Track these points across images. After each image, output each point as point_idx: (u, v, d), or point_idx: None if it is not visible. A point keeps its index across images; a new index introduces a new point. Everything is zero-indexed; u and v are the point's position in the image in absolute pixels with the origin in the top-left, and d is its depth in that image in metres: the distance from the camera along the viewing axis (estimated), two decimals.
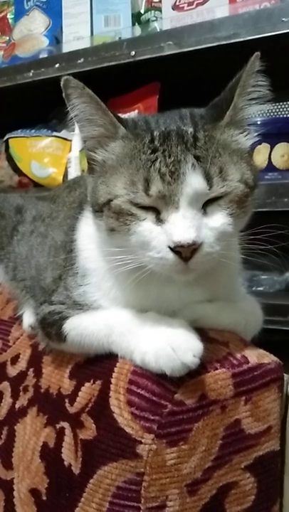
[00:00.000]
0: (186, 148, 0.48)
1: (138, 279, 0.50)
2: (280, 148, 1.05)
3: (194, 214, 0.48)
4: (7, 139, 1.35)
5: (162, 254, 0.48)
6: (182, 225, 0.47)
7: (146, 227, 0.48)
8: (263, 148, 1.05)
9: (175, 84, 1.09)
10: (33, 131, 1.33)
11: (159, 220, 0.48)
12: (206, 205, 0.49)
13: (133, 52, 1.09)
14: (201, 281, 0.54)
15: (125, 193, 0.49)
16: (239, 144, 0.52)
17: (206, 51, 1.01)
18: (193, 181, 0.47)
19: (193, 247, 0.46)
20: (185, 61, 1.06)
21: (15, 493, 0.63)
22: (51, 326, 0.60)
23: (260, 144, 1.05)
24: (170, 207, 0.48)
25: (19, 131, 1.34)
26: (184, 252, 0.47)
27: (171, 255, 0.47)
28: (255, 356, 0.51)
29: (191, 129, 0.50)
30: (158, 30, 1.15)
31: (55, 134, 1.32)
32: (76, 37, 1.27)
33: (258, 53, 0.51)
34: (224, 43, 0.98)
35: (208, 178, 0.48)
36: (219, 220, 0.49)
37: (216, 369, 0.49)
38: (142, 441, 0.47)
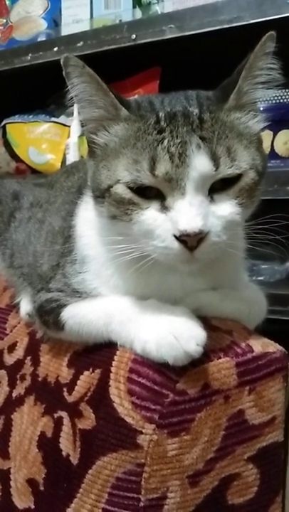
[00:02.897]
0: (192, 130, 0.46)
1: (141, 268, 0.49)
2: (283, 135, 1.03)
3: (201, 201, 0.45)
4: (4, 125, 1.33)
5: (167, 243, 0.45)
6: (188, 212, 0.44)
7: (149, 215, 0.46)
8: (266, 135, 1.03)
9: (176, 69, 1.07)
10: (30, 116, 1.31)
11: (164, 208, 0.46)
12: (215, 192, 0.47)
13: (134, 36, 1.07)
14: (205, 270, 0.52)
15: (128, 174, 0.47)
16: (247, 127, 0.50)
17: (208, 35, 0.99)
18: (199, 163, 0.45)
19: (199, 236, 0.44)
20: (187, 45, 1.03)
21: (12, 483, 0.62)
22: (49, 314, 0.59)
23: (262, 131, 1.03)
24: (176, 192, 0.45)
25: (17, 116, 1.32)
26: (190, 241, 0.45)
27: (176, 244, 0.45)
28: (260, 345, 0.50)
29: (196, 110, 0.48)
30: (159, 13, 1.12)
31: (53, 119, 1.29)
32: (75, 20, 1.24)
33: (271, 33, 0.48)
34: (227, 26, 0.96)
35: (214, 159, 0.45)
36: (227, 208, 0.47)
37: (220, 358, 0.47)
38: (143, 431, 0.46)
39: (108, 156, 0.50)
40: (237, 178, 0.47)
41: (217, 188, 0.47)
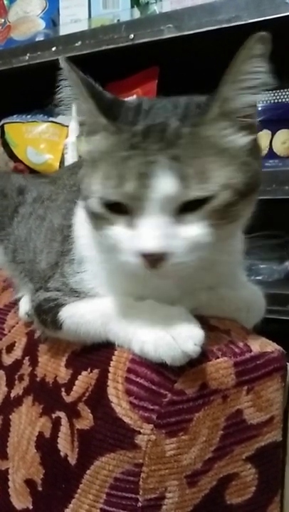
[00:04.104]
0: (165, 147, 0.44)
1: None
2: (281, 135, 1.04)
3: (165, 222, 0.44)
4: (2, 125, 1.33)
5: (131, 258, 0.45)
6: (148, 233, 0.43)
7: (116, 231, 0.46)
8: (264, 135, 1.03)
9: (175, 68, 1.07)
10: (29, 116, 1.31)
11: (131, 224, 0.45)
12: (186, 212, 0.44)
13: (132, 36, 1.07)
14: (199, 271, 0.52)
15: (100, 189, 0.46)
16: (231, 141, 0.46)
17: (206, 34, 0.99)
18: (164, 184, 0.43)
19: (157, 256, 0.43)
20: (185, 45, 1.03)
21: (10, 484, 0.62)
22: (47, 313, 0.58)
23: (260, 130, 1.03)
24: (140, 211, 0.44)
25: (15, 116, 1.32)
26: (150, 261, 0.44)
27: (138, 260, 0.44)
28: (258, 345, 0.50)
29: (176, 124, 0.45)
30: (157, 12, 1.12)
31: (51, 119, 1.29)
32: (73, 19, 1.24)
33: (260, 34, 0.44)
34: (225, 26, 0.96)
35: (182, 180, 0.43)
36: (195, 230, 0.44)
37: (218, 358, 0.47)
38: (141, 431, 0.46)
39: (89, 165, 0.49)
40: (209, 198, 0.44)
41: (189, 208, 0.44)
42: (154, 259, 0.44)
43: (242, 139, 0.46)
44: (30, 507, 0.57)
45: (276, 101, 1.10)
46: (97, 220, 0.48)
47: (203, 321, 0.49)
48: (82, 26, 1.20)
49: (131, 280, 0.52)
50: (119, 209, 0.46)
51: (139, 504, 0.46)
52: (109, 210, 0.46)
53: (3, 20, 1.42)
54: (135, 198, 0.44)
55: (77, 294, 0.56)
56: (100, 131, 0.48)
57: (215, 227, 0.44)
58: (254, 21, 0.93)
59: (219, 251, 0.47)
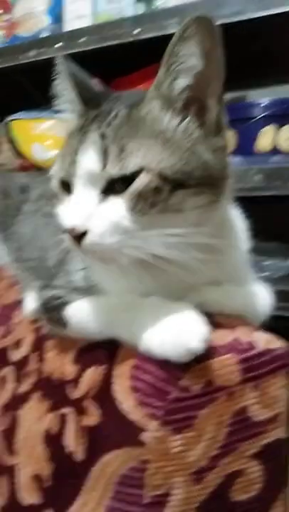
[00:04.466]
0: (100, 127, 0.46)
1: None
2: (287, 130, 1.03)
3: (87, 199, 0.45)
4: (8, 122, 1.33)
5: (63, 235, 0.47)
6: (71, 209, 0.46)
7: (60, 209, 0.49)
8: (269, 131, 1.03)
9: None
10: (35, 113, 1.31)
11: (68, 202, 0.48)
12: (111, 192, 0.45)
13: (136, 31, 1.06)
14: (208, 264, 0.52)
15: (56, 168, 0.50)
16: (165, 125, 0.46)
17: None
18: (86, 161, 0.45)
19: (76, 233, 0.45)
20: None
21: (18, 479, 0.62)
22: (53, 311, 0.59)
23: (266, 125, 1.03)
24: (71, 188, 0.47)
25: (21, 113, 1.32)
26: (73, 237, 0.45)
27: (66, 237, 0.47)
28: (264, 341, 0.50)
29: (121, 107, 0.47)
30: (160, 8, 1.12)
31: (57, 115, 1.29)
32: (78, 15, 1.23)
33: (194, 17, 0.43)
34: (229, 20, 0.95)
35: (104, 157, 0.44)
36: (115, 211, 0.45)
37: (223, 354, 0.47)
38: (147, 428, 0.46)
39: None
40: (132, 180, 0.44)
41: (115, 189, 0.45)
42: (75, 236, 0.45)
43: (181, 124, 0.46)
44: (38, 502, 0.57)
45: (281, 96, 1.09)
46: (58, 202, 0.50)
47: (209, 318, 0.49)
48: (87, 22, 1.19)
49: (133, 274, 0.52)
50: (69, 188, 0.48)
51: (145, 500, 0.46)
52: (62, 190, 0.49)
53: (8, 17, 1.42)
54: (70, 175, 0.47)
55: (81, 291, 0.57)
56: (74, 116, 0.52)
57: (138, 213, 0.44)
58: (259, 16, 0.92)
59: (196, 249, 0.46)
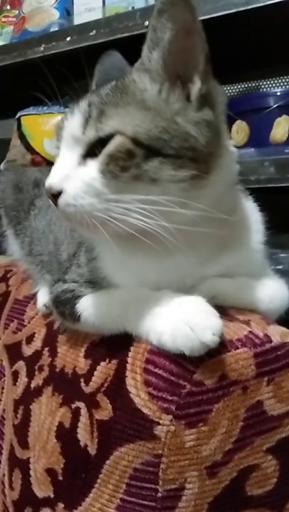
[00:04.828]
0: (91, 96, 0.49)
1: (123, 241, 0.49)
2: None
3: (68, 161, 0.47)
4: (19, 117, 1.33)
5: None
6: (53, 170, 0.48)
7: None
8: (283, 121, 1.01)
9: None
10: (45, 108, 1.31)
11: None
12: (91, 155, 0.47)
13: (147, 23, 1.05)
14: (214, 255, 0.51)
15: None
16: (144, 93, 0.47)
17: (223, 18, 0.96)
18: (70, 125, 0.48)
19: (50, 192, 0.47)
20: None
21: (31, 472, 0.62)
22: (64, 305, 0.59)
23: (280, 116, 1.01)
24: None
25: (31, 108, 1.32)
26: (51, 196, 0.48)
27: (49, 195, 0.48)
28: (279, 335, 0.49)
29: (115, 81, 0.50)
30: None
31: (68, 110, 1.29)
32: (87, 8, 1.22)
33: None
34: (242, 9, 0.93)
35: (85, 121, 0.47)
36: (89, 173, 0.46)
37: (237, 348, 0.46)
38: (160, 422, 0.45)
39: None
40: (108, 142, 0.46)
41: (96, 153, 0.47)
42: (52, 195, 0.47)
43: (161, 94, 0.47)
44: (52, 495, 0.58)
45: None
46: None
47: (222, 312, 0.48)
48: (97, 15, 1.18)
49: (141, 263, 0.52)
50: None
51: (159, 495, 0.46)
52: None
53: (17, 11, 1.42)
54: (58, 138, 0.50)
55: (92, 284, 0.56)
56: None
57: (108, 175, 0.46)
58: (272, 2, 0.90)
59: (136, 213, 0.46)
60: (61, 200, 0.47)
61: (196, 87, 0.47)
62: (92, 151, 0.47)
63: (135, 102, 0.47)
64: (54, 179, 0.47)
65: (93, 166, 0.46)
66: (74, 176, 0.47)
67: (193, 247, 0.51)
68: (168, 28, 0.45)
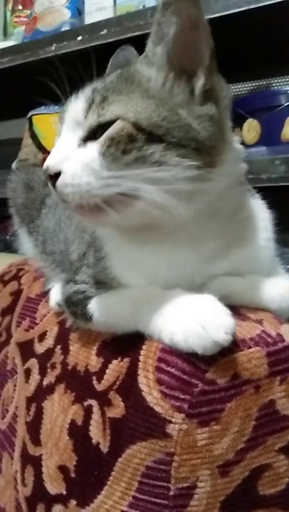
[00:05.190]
0: (97, 82, 0.49)
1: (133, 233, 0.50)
2: None
3: (68, 143, 0.48)
4: (30, 116, 1.34)
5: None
6: (52, 151, 0.48)
7: None
8: None
9: None
10: (56, 107, 1.31)
11: None
12: (91, 139, 0.47)
13: None
14: (222, 252, 0.52)
15: None
16: (148, 83, 0.47)
17: (234, 17, 0.96)
18: (72, 108, 0.48)
19: (48, 172, 0.47)
20: (213, 28, 1.01)
21: (44, 469, 0.63)
22: (76, 306, 0.59)
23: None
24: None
25: (42, 107, 1.32)
26: (49, 177, 0.47)
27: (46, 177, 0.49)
28: None
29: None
30: None
31: None
32: (98, 7, 1.23)
33: None
34: (254, 6, 0.93)
35: (88, 106, 0.47)
36: (88, 154, 0.46)
37: (250, 347, 0.46)
38: (172, 420, 0.45)
39: None
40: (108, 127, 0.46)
41: (97, 137, 0.47)
42: (50, 176, 0.47)
43: (165, 86, 0.47)
44: (64, 492, 0.58)
45: None
46: None
47: (234, 311, 0.48)
48: (108, 14, 1.19)
49: (150, 260, 0.52)
50: None
51: (171, 493, 0.46)
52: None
53: (29, 11, 1.43)
54: (61, 121, 0.50)
55: (102, 285, 0.57)
56: None
57: (109, 157, 0.45)
58: (283, 0, 0.89)
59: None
60: (59, 181, 0.47)
61: (200, 81, 0.47)
62: (93, 135, 0.47)
63: (139, 90, 0.47)
64: (52, 160, 0.47)
65: (93, 148, 0.46)
66: (73, 157, 0.47)
67: (200, 243, 0.51)
68: (172, 22, 0.45)
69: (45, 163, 0.48)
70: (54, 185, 0.47)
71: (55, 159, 0.47)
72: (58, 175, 0.47)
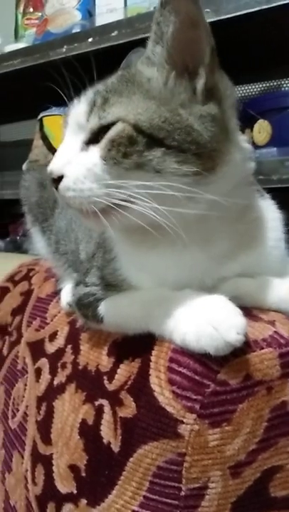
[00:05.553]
0: (99, 84, 0.49)
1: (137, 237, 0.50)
2: None
3: (71, 146, 0.48)
4: (41, 118, 1.35)
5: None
6: (56, 155, 0.48)
7: None
8: None
9: None
10: (67, 108, 1.32)
11: None
12: (94, 142, 0.47)
13: None
14: (231, 253, 0.51)
15: None
16: (149, 84, 0.47)
17: (246, 17, 0.96)
18: (75, 111, 0.48)
19: (52, 176, 0.47)
20: (224, 29, 1.01)
21: (54, 468, 0.63)
22: (87, 308, 0.59)
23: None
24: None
25: (53, 109, 1.33)
26: (53, 181, 0.48)
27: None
28: None
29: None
30: None
31: None
32: (109, 9, 1.23)
33: None
34: (266, 7, 0.93)
35: (89, 108, 0.47)
36: (90, 158, 0.47)
37: (262, 348, 0.46)
38: (184, 420, 0.45)
39: None
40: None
41: (99, 140, 0.47)
42: (53, 180, 0.48)
43: (166, 86, 0.47)
44: (75, 491, 0.58)
45: None
46: None
47: (246, 312, 0.48)
48: (118, 16, 1.19)
49: (159, 262, 0.52)
50: None
51: (182, 493, 0.46)
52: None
53: (40, 13, 1.44)
54: (64, 125, 0.51)
55: (112, 287, 0.57)
56: None
57: (110, 161, 0.45)
58: None
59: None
60: (61, 185, 0.47)
61: (201, 80, 0.47)
62: (95, 138, 0.47)
63: (140, 91, 0.47)
64: (55, 164, 0.48)
65: (95, 152, 0.47)
66: (75, 161, 0.47)
67: (208, 244, 0.51)
68: (171, 21, 0.45)
69: (49, 167, 0.48)
70: (57, 188, 0.48)
71: (58, 163, 0.48)
72: (61, 178, 0.47)
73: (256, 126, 1.02)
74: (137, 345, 0.54)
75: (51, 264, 0.86)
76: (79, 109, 0.49)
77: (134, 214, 0.46)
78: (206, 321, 0.45)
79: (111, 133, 0.46)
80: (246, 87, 1.27)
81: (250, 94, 1.27)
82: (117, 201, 0.46)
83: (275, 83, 1.22)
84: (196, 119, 0.46)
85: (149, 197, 0.45)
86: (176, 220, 0.46)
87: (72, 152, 0.48)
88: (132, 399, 0.52)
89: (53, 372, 0.69)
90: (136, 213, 0.46)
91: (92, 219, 0.48)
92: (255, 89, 1.27)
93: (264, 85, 1.26)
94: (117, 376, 0.55)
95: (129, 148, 0.45)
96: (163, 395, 0.47)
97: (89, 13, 1.29)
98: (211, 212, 0.47)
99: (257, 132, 1.02)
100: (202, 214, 0.47)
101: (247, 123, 1.01)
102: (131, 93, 0.47)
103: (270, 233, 0.55)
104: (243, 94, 1.27)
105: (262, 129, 1.02)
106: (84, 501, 0.56)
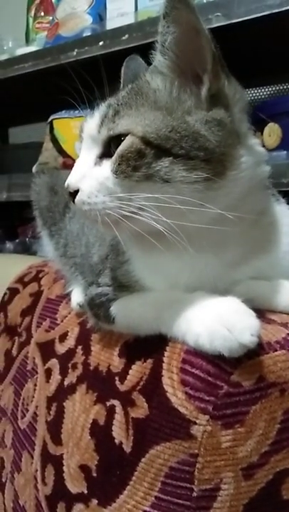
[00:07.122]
0: (111, 98, 0.50)
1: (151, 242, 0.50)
2: None
3: (86, 161, 0.50)
4: (51, 120, 1.35)
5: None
6: (73, 169, 0.50)
7: None
8: None
9: (224, 58, 1.05)
10: (77, 111, 1.33)
11: None
12: (107, 156, 0.49)
13: None
14: (244, 257, 0.52)
15: None
16: (156, 94, 0.48)
17: (256, 21, 0.96)
18: (88, 125, 0.50)
19: (68, 190, 0.50)
20: (235, 33, 1.01)
21: (64, 468, 0.63)
22: (99, 308, 0.59)
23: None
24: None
25: (63, 111, 1.34)
26: (70, 194, 0.50)
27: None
28: None
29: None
30: (205, 1, 1.10)
31: None
32: (120, 13, 1.24)
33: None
34: (276, 11, 0.93)
35: (101, 121, 0.49)
36: (103, 172, 0.48)
37: (276, 350, 0.46)
38: (197, 421, 0.46)
39: None
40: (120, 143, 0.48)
41: (111, 153, 0.48)
42: (70, 193, 0.50)
43: (172, 94, 0.48)
44: (85, 491, 0.58)
45: None
46: None
47: (260, 314, 0.48)
48: (129, 19, 1.20)
49: (172, 265, 0.52)
50: None
51: (194, 494, 0.46)
52: None
53: (51, 17, 1.45)
54: (80, 140, 0.52)
55: (125, 288, 0.57)
56: None
57: (121, 175, 0.47)
58: None
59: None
60: (77, 199, 0.49)
61: (206, 86, 0.48)
62: (108, 151, 0.49)
63: (148, 102, 0.48)
64: (72, 179, 0.50)
65: (107, 166, 0.48)
66: (90, 176, 0.49)
67: (221, 249, 0.51)
68: (172, 31, 0.47)
69: (66, 181, 0.50)
70: (74, 201, 0.50)
71: (74, 178, 0.50)
72: (77, 192, 0.49)
73: (266, 130, 1.03)
74: (148, 347, 0.54)
75: (58, 267, 0.86)
76: (92, 123, 0.50)
77: (140, 225, 0.47)
78: (219, 323, 0.45)
79: (121, 147, 0.47)
80: (256, 91, 1.27)
81: (260, 97, 1.27)
82: (126, 213, 0.47)
83: (285, 86, 1.22)
84: (202, 125, 0.47)
85: (155, 209, 0.46)
86: (186, 228, 0.46)
87: (86, 166, 0.50)
88: (144, 399, 0.52)
89: (64, 373, 0.69)
90: (143, 224, 0.47)
91: (106, 228, 0.50)
92: (265, 93, 1.27)
93: (274, 88, 1.26)
94: (128, 377, 0.55)
95: (139, 162, 0.46)
96: (176, 395, 0.48)
97: (100, 17, 1.30)
98: (217, 225, 0.48)
99: (267, 135, 1.02)
100: (212, 218, 0.47)
101: (257, 126, 1.01)
102: (139, 105, 0.48)
103: (285, 238, 0.55)
104: (253, 98, 1.27)
105: (272, 132, 1.02)
106: (95, 501, 0.56)
